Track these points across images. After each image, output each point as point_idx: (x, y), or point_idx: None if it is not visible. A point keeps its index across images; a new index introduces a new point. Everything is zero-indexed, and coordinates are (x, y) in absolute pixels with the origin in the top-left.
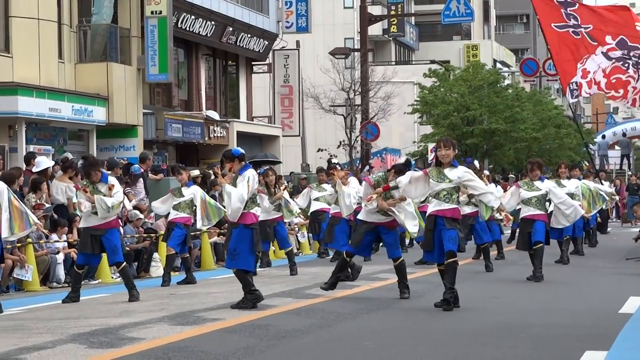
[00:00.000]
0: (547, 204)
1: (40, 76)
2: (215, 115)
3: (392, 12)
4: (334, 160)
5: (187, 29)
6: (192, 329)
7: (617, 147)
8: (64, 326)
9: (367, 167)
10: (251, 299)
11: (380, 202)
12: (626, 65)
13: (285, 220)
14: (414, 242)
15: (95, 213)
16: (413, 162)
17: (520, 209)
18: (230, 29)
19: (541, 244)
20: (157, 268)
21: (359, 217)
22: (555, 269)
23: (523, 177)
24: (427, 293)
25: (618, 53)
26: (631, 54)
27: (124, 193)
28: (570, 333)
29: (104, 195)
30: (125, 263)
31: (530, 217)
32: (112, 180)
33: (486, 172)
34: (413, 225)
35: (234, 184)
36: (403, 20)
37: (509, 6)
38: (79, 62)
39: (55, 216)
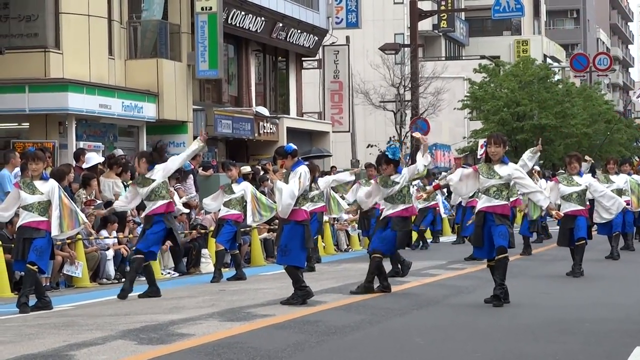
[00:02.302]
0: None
1: (90, 72)
2: (265, 111)
3: (442, 8)
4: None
5: (237, 24)
6: (242, 325)
7: None
8: (114, 322)
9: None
10: (301, 295)
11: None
12: None
13: (333, 216)
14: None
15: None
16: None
17: (559, 204)
18: (280, 24)
19: (584, 241)
20: (207, 264)
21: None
22: (606, 264)
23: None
24: (476, 289)
25: None
26: None
27: (175, 189)
28: (620, 328)
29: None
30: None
31: (572, 213)
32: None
33: (537, 168)
34: None
35: (286, 180)
36: (453, 16)
37: (559, 1)
38: (129, 59)
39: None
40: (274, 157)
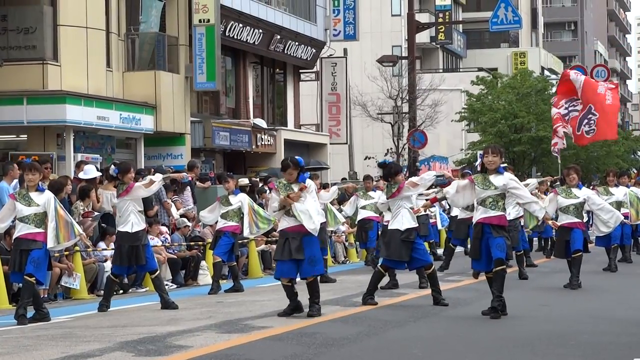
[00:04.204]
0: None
1: (88, 85)
2: (262, 123)
3: (440, 20)
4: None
5: (235, 37)
6: (240, 337)
7: None
8: (112, 334)
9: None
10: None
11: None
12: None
13: (330, 229)
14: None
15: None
16: (387, 160)
17: (557, 216)
18: (278, 37)
19: (580, 253)
20: (205, 276)
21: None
22: (604, 276)
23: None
24: (474, 301)
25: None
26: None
27: (172, 201)
28: (618, 341)
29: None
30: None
31: (568, 225)
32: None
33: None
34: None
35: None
36: (451, 28)
37: (556, 13)
38: (127, 71)
39: (104, 225)
40: (286, 166)
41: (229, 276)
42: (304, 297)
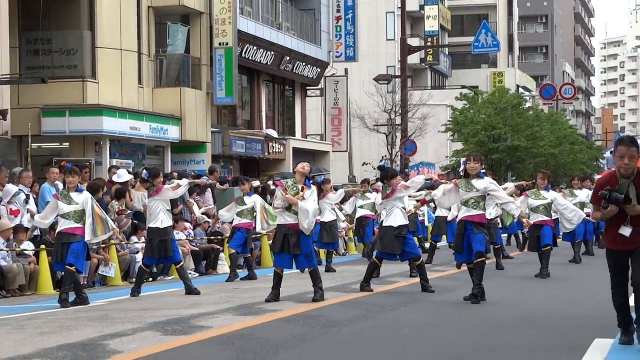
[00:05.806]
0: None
1: (122, 99)
2: (274, 133)
3: (429, 44)
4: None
5: (250, 58)
6: (254, 318)
7: None
8: (142, 316)
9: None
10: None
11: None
12: None
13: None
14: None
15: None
16: (385, 164)
17: (529, 215)
18: (287, 58)
19: (549, 247)
20: (223, 266)
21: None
22: (569, 267)
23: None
24: (457, 288)
25: None
26: None
27: (195, 201)
28: (583, 324)
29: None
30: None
31: (539, 222)
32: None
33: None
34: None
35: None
36: (438, 51)
37: (530, 38)
38: (156, 87)
39: (135, 221)
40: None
41: (244, 266)
42: (307, 285)
